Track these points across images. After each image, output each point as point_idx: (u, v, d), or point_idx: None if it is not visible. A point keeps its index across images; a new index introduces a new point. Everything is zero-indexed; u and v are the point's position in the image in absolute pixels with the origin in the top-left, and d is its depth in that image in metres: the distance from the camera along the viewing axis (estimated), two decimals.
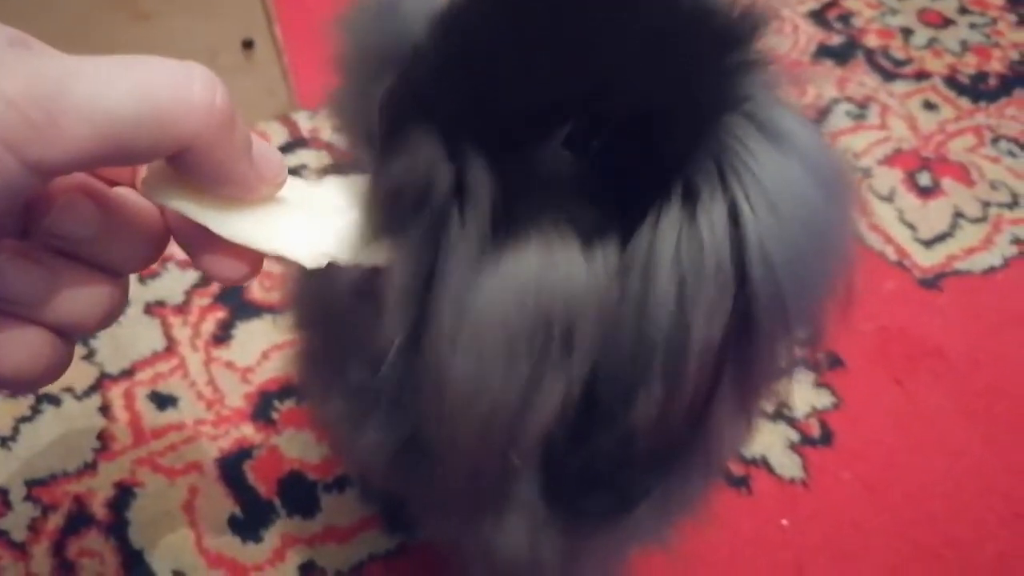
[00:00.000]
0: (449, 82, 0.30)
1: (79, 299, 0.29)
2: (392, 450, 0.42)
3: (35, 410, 0.73)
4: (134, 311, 0.79)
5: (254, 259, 0.31)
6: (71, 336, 0.30)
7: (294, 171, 0.32)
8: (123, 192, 0.30)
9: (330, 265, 0.31)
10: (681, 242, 0.30)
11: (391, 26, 0.33)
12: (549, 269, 0.30)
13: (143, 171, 0.30)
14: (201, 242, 0.30)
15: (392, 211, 0.31)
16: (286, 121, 0.95)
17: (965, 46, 1.07)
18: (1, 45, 0.24)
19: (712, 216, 0.30)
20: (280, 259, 0.31)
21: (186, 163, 0.27)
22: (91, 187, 0.28)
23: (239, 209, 0.30)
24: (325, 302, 0.45)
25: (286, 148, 0.92)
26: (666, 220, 0.30)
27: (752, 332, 0.31)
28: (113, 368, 0.75)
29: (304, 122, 0.95)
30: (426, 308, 0.31)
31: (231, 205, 0.30)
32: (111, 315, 0.30)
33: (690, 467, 0.43)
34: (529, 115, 0.30)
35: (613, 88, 0.29)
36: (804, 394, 0.75)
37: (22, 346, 0.28)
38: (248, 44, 0.88)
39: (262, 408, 0.73)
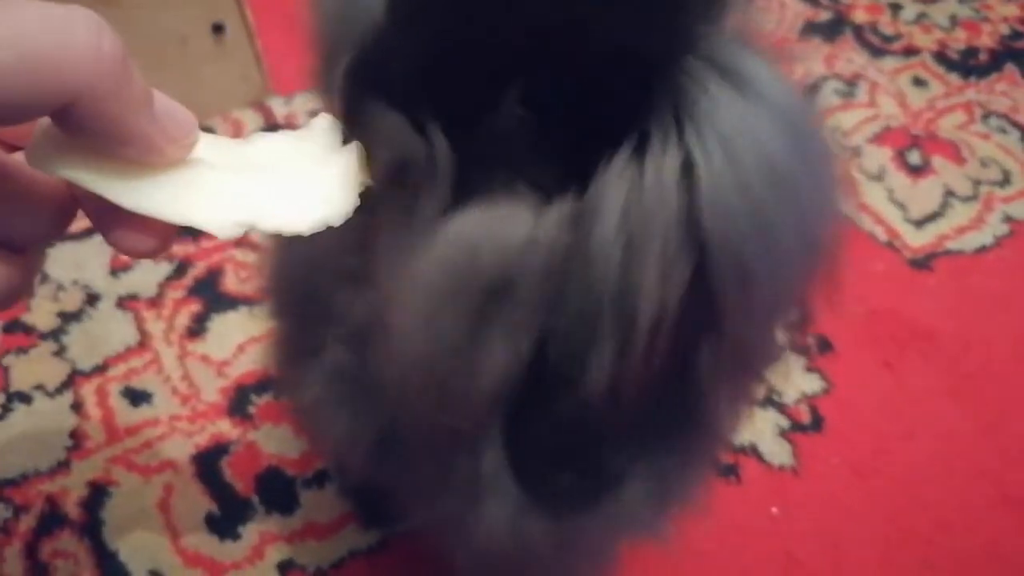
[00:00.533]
0: (404, 54, 0.30)
1: None
2: (370, 436, 0.41)
3: (6, 408, 0.71)
4: (106, 305, 0.76)
5: (164, 231, 0.28)
6: None
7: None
8: (17, 158, 0.28)
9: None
10: (630, 194, 0.28)
11: (352, 3, 0.33)
12: (490, 227, 0.30)
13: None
14: (106, 213, 0.28)
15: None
16: (260, 108, 0.92)
17: (955, 21, 1.05)
18: None
19: (662, 165, 0.28)
20: (190, 228, 0.28)
21: (76, 121, 0.24)
22: None
23: (144, 175, 0.27)
24: (302, 285, 0.43)
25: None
26: (614, 171, 0.28)
27: (716, 296, 0.29)
28: (85, 364, 0.73)
29: (280, 108, 0.92)
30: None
31: (135, 171, 0.27)
32: (16, 291, 0.28)
33: (687, 453, 0.42)
34: (481, 77, 0.29)
35: (563, 37, 0.28)
36: (794, 379, 0.74)
37: None
38: (218, 28, 0.85)
39: (239, 403, 0.71)
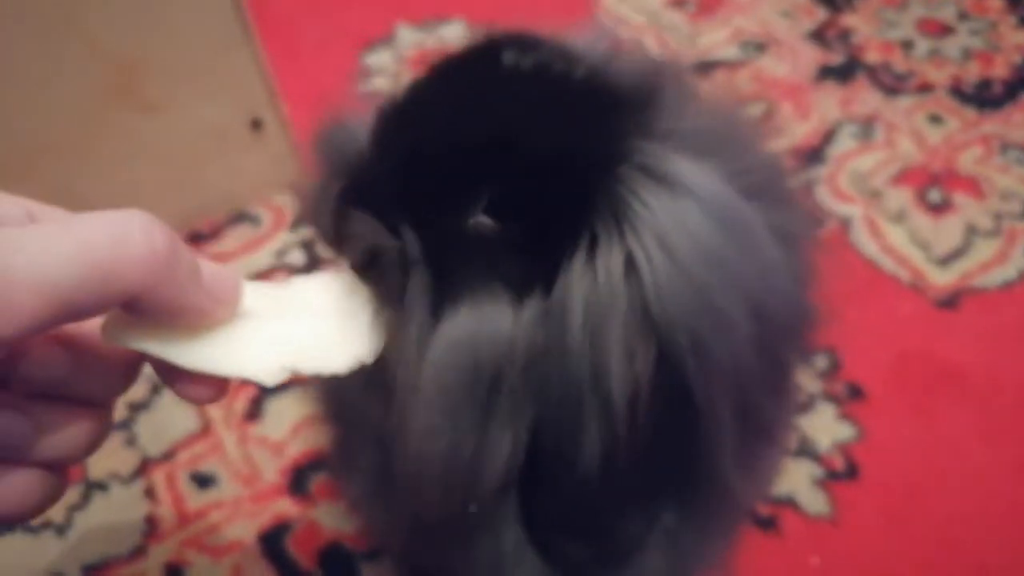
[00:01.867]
0: (384, 176, 0.36)
1: (62, 436, 0.31)
2: (405, 525, 0.45)
3: (85, 497, 0.76)
4: (169, 394, 0.81)
5: (220, 383, 0.32)
6: (61, 468, 0.32)
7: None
8: (90, 328, 0.32)
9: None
10: (588, 291, 0.33)
11: (339, 143, 0.39)
12: (480, 325, 0.34)
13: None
14: (169, 371, 0.32)
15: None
16: None
17: (967, 53, 1.06)
18: None
19: (609, 263, 0.33)
20: (242, 380, 0.32)
21: (137, 307, 0.29)
22: (58, 332, 0.30)
23: (199, 335, 0.31)
24: (338, 393, 0.48)
25: (299, 218, 0.95)
26: (574, 270, 0.34)
27: (679, 371, 0.34)
28: (154, 451, 0.79)
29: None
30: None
31: (191, 334, 0.31)
32: (95, 444, 0.32)
33: (705, 518, 0.45)
34: (450, 192, 0.35)
35: (518, 158, 0.34)
36: (826, 427, 0.76)
37: (14, 488, 0.30)
38: (256, 123, 0.91)
39: (297, 482, 0.75)
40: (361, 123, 0.39)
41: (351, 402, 0.46)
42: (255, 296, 0.34)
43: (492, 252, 0.35)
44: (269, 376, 0.32)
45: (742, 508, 0.52)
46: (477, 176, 0.35)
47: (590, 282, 0.33)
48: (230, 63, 0.85)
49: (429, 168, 0.35)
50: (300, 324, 0.34)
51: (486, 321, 0.34)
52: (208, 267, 0.31)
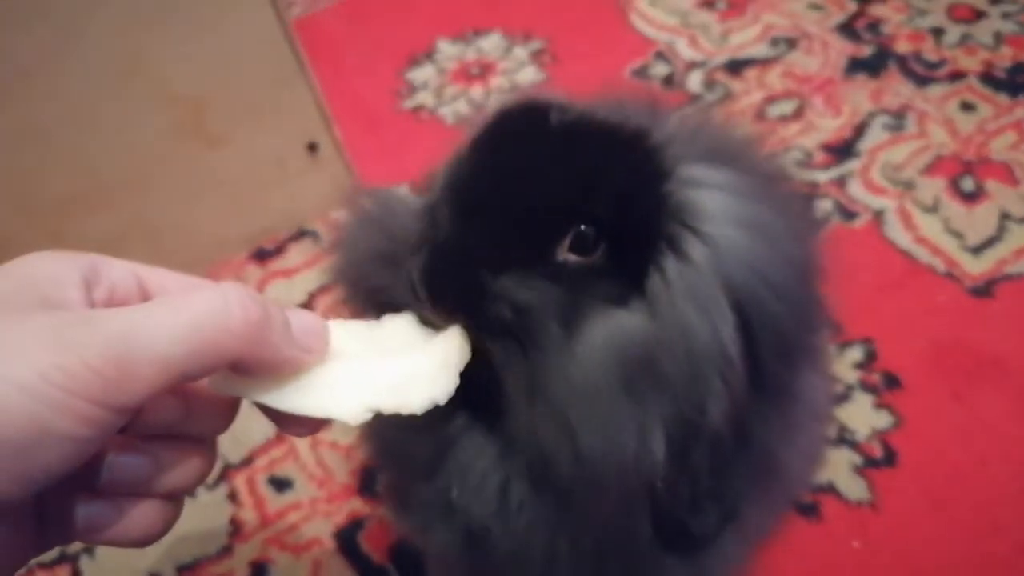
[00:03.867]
0: (472, 234, 0.41)
1: (178, 470, 0.36)
2: (458, 548, 0.50)
3: None
4: (244, 404, 0.88)
5: (316, 421, 0.37)
6: (177, 497, 0.37)
7: None
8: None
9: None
10: (685, 277, 0.40)
11: (380, 229, 0.46)
12: (609, 329, 0.41)
13: None
14: (269, 411, 0.37)
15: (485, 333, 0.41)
16: None
17: (999, 38, 1.07)
18: (72, 322, 0.30)
19: (693, 251, 0.40)
20: (325, 421, 0.36)
21: (237, 367, 0.34)
22: None
23: (290, 381, 0.36)
24: (387, 438, 0.54)
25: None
26: (666, 268, 0.41)
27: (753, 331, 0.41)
28: (235, 458, 0.85)
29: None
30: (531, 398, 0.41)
31: (284, 379, 0.36)
32: (205, 474, 0.38)
33: (766, 489, 0.50)
34: (537, 239, 0.41)
35: (585, 199, 0.41)
36: (864, 416, 0.79)
37: (141, 518, 0.35)
38: (312, 147, 0.97)
39: (367, 482, 0.81)
40: (400, 196, 0.47)
41: (400, 444, 0.51)
42: (342, 335, 0.39)
43: (584, 278, 0.41)
44: (352, 416, 0.36)
45: (791, 483, 0.56)
46: (555, 222, 0.41)
47: (683, 271, 0.40)
48: (286, 93, 0.91)
49: (514, 223, 0.41)
50: (381, 364, 0.38)
51: (613, 326, 0.40)
52: (297, 318, 0.36)
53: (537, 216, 0.41)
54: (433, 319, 0.42)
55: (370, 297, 0.47)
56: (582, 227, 0.40)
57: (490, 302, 0.40)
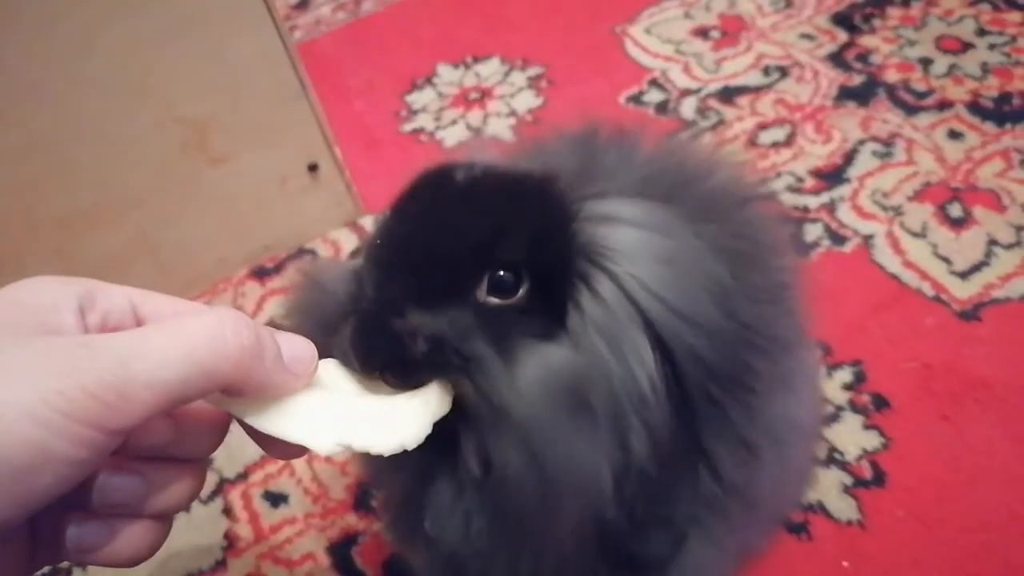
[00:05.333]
0: (394, 286, 0.43)
1: (168, 490, 0.37)
2: (439, 568, 0.52)
3: None
4: None
5: (292, 447, 0.38)
6: (167, 518, 0.37)
7: None
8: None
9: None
10: (598, 314, 0.42)
11: (320, 296, 0.48)
12: (546, 362, 0.42)
13: None
14: (253, 432, 0.38)
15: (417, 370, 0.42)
16: (354, 227, 1.05)
17: (986, 68, 1.09)
18: (70, 348, 0.31)
19: (603, 288, 0.42)
20: (303, 448, 0.37)
21: (230, 390, 0.35)
22: None
23: (275, 404, 0.37)
24: (387, 475, 0.55)
25: (357, 252, 1.02)
26: (582, 305, 0.42)
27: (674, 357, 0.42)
28: (230, 473, 0.86)
29: (370, 226, 1.05)
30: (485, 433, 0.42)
31: (269, 401, 0.37)
32: (195, 495, 0.39)
33: (736, 512, 0.51)
34: (456, 284, 0.42)
35: (495, 250, 0.42)
36: (853, 437, 0.80)
37: (131, 538, 0.36)
38: (313, 167, 0.99)
39: (362, 498, 0.82)
40: (337, 265, 0.49)
41: (391, 473, 0.53)
42: (333, 372, 0.40)
43: (509, 316, 0.43)
44: (323, 448, 0.37)
45: (764, 503, 0.57)
46: (469, 266, 0.42)
47: (597, 309, 0.42)
48: (289, 114, 0.93)
49: (429, 272, 0.42)
50: (360, 402, 0.40)
51: (544, 358, 0.42)
52: (287, 343, 0.37)
53: (451, 263, 0.42)
54: (368, 380, 0.43)
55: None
56: (499, 273, 0.42)
57: (406, 341, 0.41)
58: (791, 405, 0.52)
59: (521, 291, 0.43)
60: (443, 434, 0.41)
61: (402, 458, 0.39)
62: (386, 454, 0.38)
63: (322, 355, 0.44)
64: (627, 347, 0.41)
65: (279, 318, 0.52)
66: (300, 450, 0.38)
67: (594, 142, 0.50)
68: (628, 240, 0.43)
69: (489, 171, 0.45)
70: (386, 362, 0.42)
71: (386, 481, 0.55)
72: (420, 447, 0.39)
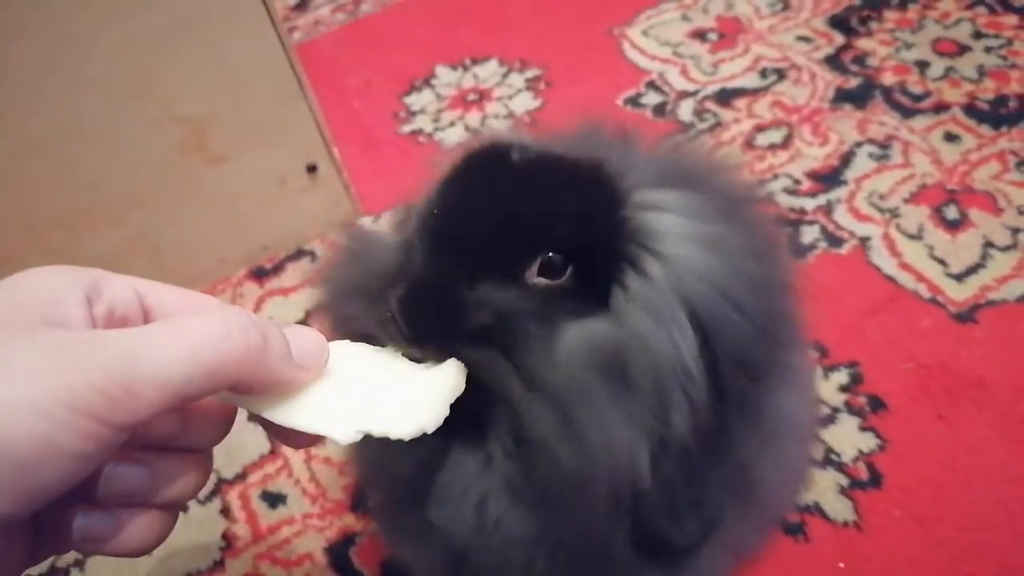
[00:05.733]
0: (445, 261, 0.44)
1: (174, 481, 0.37)
2: (441, 570, 0.52)
3: None
4: (239, 420, 0.89)
5: (308, 436, 0.38)
6: (173, 508, 0.37)
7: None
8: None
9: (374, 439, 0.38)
10: (645, 292, 0.43)
11: (361, 265, 0.49)
12: (588, 334, 0.43)
13: None
14: (267, 423, 0.38)
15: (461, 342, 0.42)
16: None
17: (982, 71, 1.10)
18: (77, 343, 0.31)
19: (651, 269, 0.43)
20: (320, 436, 0.37)
21: (238, 387, 0.34)
22: None
23: (288, 396, 0.37)
24: (374, 461, 0.54)
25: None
26: (629, 285, 0.43)
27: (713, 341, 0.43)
28: (228, 473, 0.86)
29: (369, 227, 1.05)
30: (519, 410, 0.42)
31: (282, 394, 0.37)
32: (201, 485, 0.39)
33: (744, 503, 0.51)
34: (508, 264, 0.44)
35: (550, 228, 0.44)
36: (850, 438, 0.80)
37: (137, 528, 0.36)
38: (312, 168, 0.99)
39: (359, 498, 0.82)
40: (378, 234, 0.51)
41: (385, 466, 0.52)
42: (343, 356, 0.40)
43: (554, 297, 0.44)
44: (343, 436, 0.37)
45: (769, 498, 0.58)
46: (522, 249, 0.43)
47: (643, 287, 0.43)
48: (287, 115, 0.93)
49: (484, 251, 0.43)
50: (376, 388, 0.40)
51: (587, 331, 0.43)
52: (296, 337, 0.37)
53: (505, 244, 0.43)
54: (410, 351, 0.43)
55: (352, 329, 0.48)
56: (549, 254, 0.43)
57: (469, 312, 0.42)
58: (790, 402, 0.53)
59: (567, 273, 0.44)
60: (459, 416, 0.41)
61: (408, 446, 0.39)
62: (406, 439, 0.38)
63: (347, 328, 0.44)
64: (673, 325, 0.42)
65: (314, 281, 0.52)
66: (314, 438, 0.38)
67: (599, 136, 0.51)
68: (677, 226, 0.44)
69: (544, 154, 0.46)
70: (438, 330, 0.42)
71: (384, 478, 0.55)
72: (436, 433, 0.39)
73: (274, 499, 0.84)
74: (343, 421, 0.37)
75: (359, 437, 0.37)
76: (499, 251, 0.43)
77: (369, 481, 0.60)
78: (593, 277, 0.44)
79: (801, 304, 0.53)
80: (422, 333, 0.42)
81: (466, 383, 0.42)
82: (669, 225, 0.44)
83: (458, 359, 0.42)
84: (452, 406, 0.40)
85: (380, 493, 0.59)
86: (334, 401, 0.38)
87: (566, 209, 0.44)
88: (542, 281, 0.44)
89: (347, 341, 0.42)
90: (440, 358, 0.42)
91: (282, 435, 0.38)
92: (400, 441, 0.38)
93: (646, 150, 0.50)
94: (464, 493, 0.47)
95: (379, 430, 0.37)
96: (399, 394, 0.40)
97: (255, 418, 0.39)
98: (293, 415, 0.37)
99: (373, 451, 0.52)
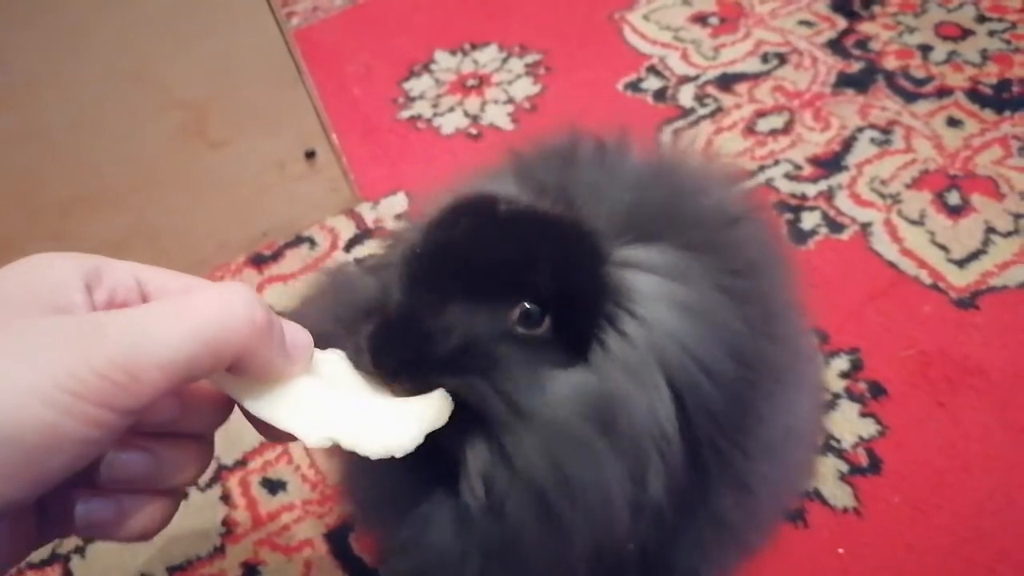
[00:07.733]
0: (422, 306, 0.43)
1: (176, 466, 0.37)
2: None
3: None
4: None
5: (284, 433, 0.38)
6: (176, 493, 0.38)
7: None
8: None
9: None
10: (623, 351, 0.43)
11: (348, 298, 0.48)
12: (573, 384, 0.43)
13: None
14: (249, 416, 0.38)
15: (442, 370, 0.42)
16: (351, 214, 1.05)
17: (985, 55, 1.09)
18: (79, 328, 0.30)
19: (629, 329, 0.43)
20: (292, 436, 0.37)
21: (234, 367, 0.34)
22: None
23: (272, 388, 0.37)
24: (372, 475, 0.53)
25: (354, 240, 1.02)
26: (608, 343, 0.43)
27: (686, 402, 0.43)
28: (228, 460, 0.86)
29: (368, 213, 1.05)
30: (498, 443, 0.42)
31: (267, 385, 0.37)
32: (203, 469, 0.39)
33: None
34: (489, 310, 0.43)
35: (531, 279, 0.44)
36: (850, 425, 0.80)
37: (140, 513, 0.36)
38: (310, 154, 0.98)
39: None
40: (355, 272, 0.51)
41: (375, 478, 0.52)
42: (334, 364, 0.40)
43: (532, 345, 0.44)
44: (313, 440, 0.37)
45: (771, 508, 0.58)
46: (502, 294, 0.44)
47: (622, 346, 0.43)
48: (286, 100, 0.93)
49: (463, 294, 0.43)
50: (355, 400, 0.39)
51: (571, 381, 0.43)
52: (287, 328, 0.37)
53: (485, 288, 0.43)
54: (380, 382, 0.43)
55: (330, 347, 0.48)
56: (527, 305, 0.43)
57: (436, 338, 0.42)
58: (790, 416, 0.52)
59: (545, 324, 0.44)
60: (433, 452, 0.40)
61: (388, 466, 0.39)
62: (373, 457, 0.37)
63: (334, 345, 0.44)
64: (651, 387, 0.42)
65: (291, 305, 0.52)
66: (292, 436, 0.38)
67: (573, 158, 0.50)
68: (656, 287, 0.44)
69: (530, 208, 0.46)
70: (402, 360, 0.42)
71: (358, 489, 0.55)
72: (409, 459, 0.39)
73: (274, 486, 0.84)
74: (316, 425, 0.37)
75: (328, 444, 0.37)
76: (478, 293, 0.43)
77: (348, 484, 0.60)
78: (571, 331, 0.44)
79: (803, 306, 0.53)
80: (391, 369, 0.42)
81: (449, 418, 0.42)
82: (648, 286, 0.44)
83: (437, 388, 0.42)
84: (429, 436, 0.39)
85: (354, 500, 0.59)
86: (313, 404, 0.38)
87: (547, 261, 0.44)
88: (520, 330, 0.44)
89: (337, 350, 0.42)
90: (415, 392, 0.42)
91: (260, 427, 0.39)
92: (366, 460, 0.38)
93: (630, 165, 0.49)
94: (441, 553, 0.46)
95: (348, 443, 0.37)
96: (376, 412, 0.40)
97: (239, 409, 0.38)
98: (272, 410, 0.37)
99: (354, 460, 0.52)
